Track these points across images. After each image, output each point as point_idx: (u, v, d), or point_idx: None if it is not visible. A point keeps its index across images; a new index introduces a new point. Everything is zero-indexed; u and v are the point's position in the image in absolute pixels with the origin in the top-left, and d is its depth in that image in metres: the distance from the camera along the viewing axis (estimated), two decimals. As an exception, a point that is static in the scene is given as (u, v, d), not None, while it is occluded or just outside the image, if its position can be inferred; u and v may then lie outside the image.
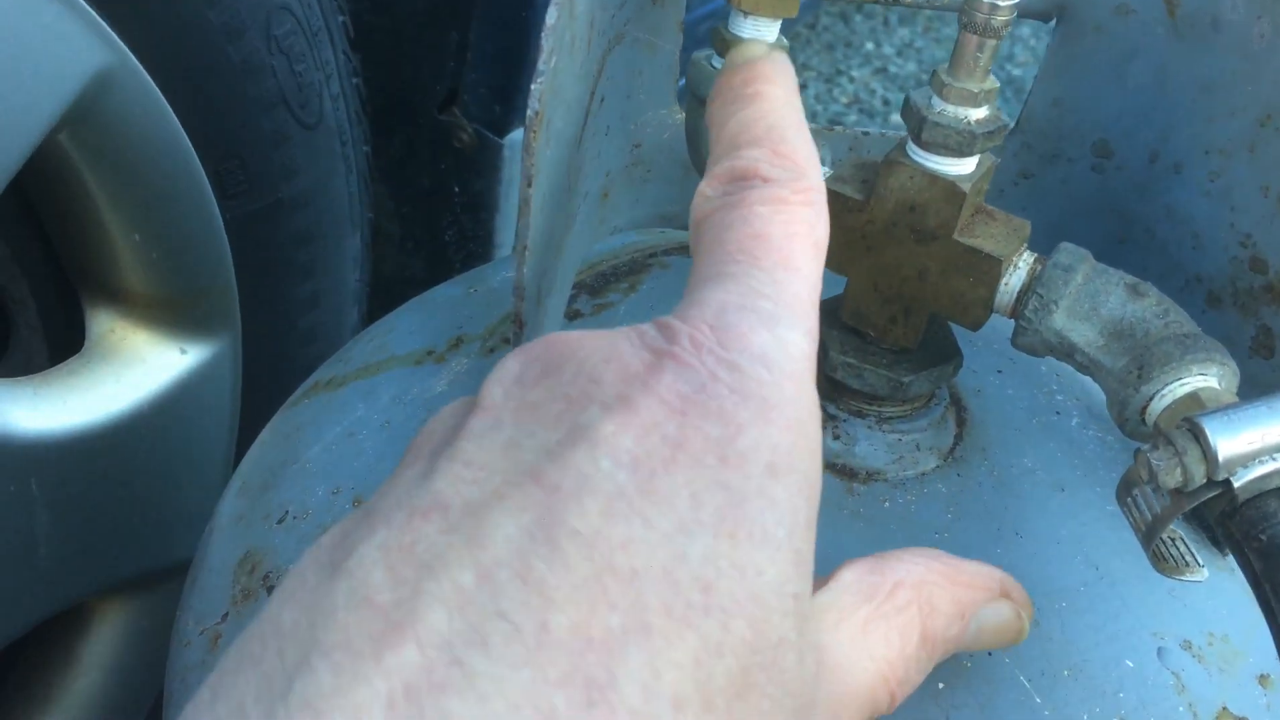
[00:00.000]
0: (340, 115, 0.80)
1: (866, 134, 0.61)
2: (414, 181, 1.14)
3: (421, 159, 1.12)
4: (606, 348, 0.30)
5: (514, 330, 0.42)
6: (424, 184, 1.14)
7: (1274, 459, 0.37)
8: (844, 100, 2.33)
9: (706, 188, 0.35)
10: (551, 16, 0.39)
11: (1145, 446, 0.39)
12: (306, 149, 0.76)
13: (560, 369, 0.30)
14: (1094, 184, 0.58)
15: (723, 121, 0.38)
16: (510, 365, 0.31)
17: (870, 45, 2.50)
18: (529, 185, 0.39)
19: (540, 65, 0.38)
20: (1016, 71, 2.52)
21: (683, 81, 0.53)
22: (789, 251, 0.33)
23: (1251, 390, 0.49)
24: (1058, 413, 0.55)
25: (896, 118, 2.30)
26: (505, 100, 1.05)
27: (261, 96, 0.71)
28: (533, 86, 0.38)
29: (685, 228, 0.60)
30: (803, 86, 2.36)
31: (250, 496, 0.53)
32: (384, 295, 1.21)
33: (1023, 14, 0.56)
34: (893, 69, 2.46)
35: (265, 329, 0.82)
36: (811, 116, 2.31)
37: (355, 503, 0.49)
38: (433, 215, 1.15)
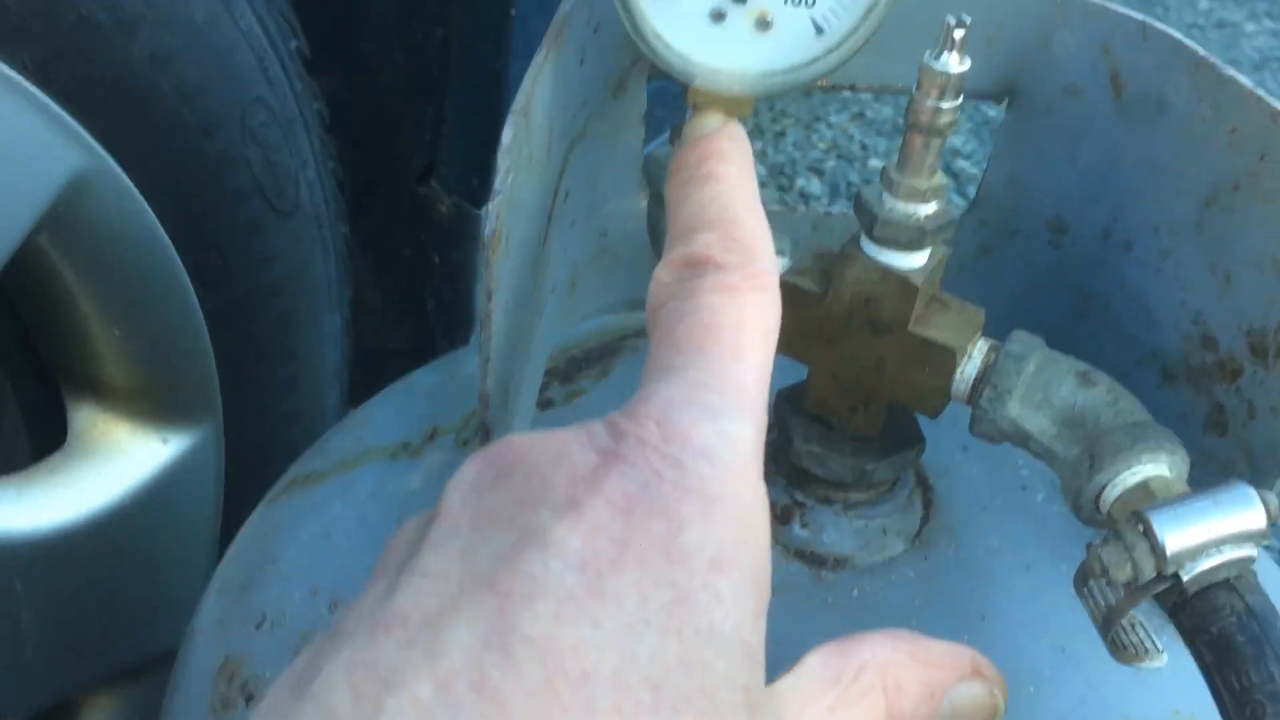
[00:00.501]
0: (317, 200, 0.81)
1: (829, 214, 0.62)
2: (394, 253, 1.15)
3: (401, 231, 1.13)
4: (557, 450, 0.31)
5: (480, 439, 0.43)
6: (404, 255, 1.15)
7: (1221, 551, 0.38)
8: (822, 146, 2.36)
9: (662, 273, 0.37)
10: (507, 136, 0.40)
11: (1096, 540, 0.40)
12: (283, 236, 0.78)
13: (513, 473, 0.31)
14: (1051, 259, 0.59)
15: (679, 202, 0.39)
16: (468, 471, 0.32)
17: (847, 91, 2.53)
18: (489, 299, 0.40)
19: (497, 185, 0.39)
20: (993, 111, 2.55)
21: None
22: (737, 342, 0.34)
23: (1207, 467, 0.50)
24: (1023, 488, 0.56)
25: (875, 162, 2.33)
26: (482, 172, 1.06)
27: (238, 188, 0.72)
28: (490, 206, 0.39)
29: (655, 310, 0.61)
30: (781, 134, 2.39)
31: (230, 597, 0.54)
32: (368, 366, 1.22)
33: (974, 95, 0.57)
34: (870, 114, 2.49)
35: (247, 413, 0.82)
36: (790, 162, 2.34)
37: (332, 606, 0.49)
38: (414, 286, 1.16)
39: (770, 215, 0.62)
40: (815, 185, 2.20)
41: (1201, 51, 0.49)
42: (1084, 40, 0.53)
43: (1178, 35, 0.50)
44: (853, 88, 0.57)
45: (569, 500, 0.29)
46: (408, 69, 0.97)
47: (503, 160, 0.39)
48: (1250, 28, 3.10)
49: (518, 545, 0.28)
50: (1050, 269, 0.59)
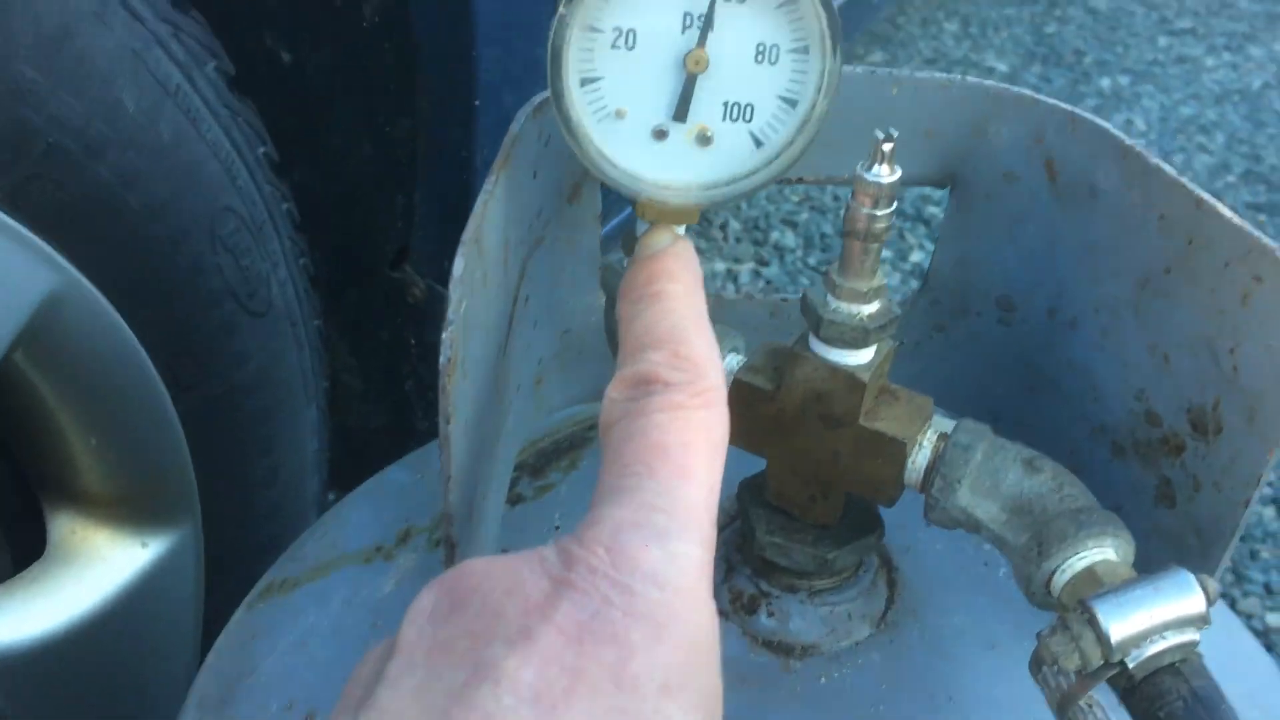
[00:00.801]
0: (289, 298, 0.82)
1: (785, 300, 0.64)
2: (372, 336, 1.16)
3: (378, 314, 1.15)
4: (510, 578, 0.31)
5: (445, 555, 0.44)
6: (382, 338, 1.16)
7: (1164, 637, 0.39)
8: (795, 199, 2.39)
9: (613, 391, 0.38)
10: (459, 267, 0.42)
11: (1045, 630, 0.41)
12: (256, 335, 0.79)
13: (468, 604, 0.31)
14: (1002, 336, 0.61)
15: (629, 320, 0.40)
16: (424, 600, 0.32)
17: (795, 184, 2.57)
18: (448, 423, 0.41)
19: (450, 314, 0.41)
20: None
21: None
22: (685, 460, 0.35)
23: (1159, 540, 0.52)
24: (985, 563, 0.57)
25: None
26: (454, 255, 1.08)
27: (210, 293, 0.74)
28: (444, 335, 0.41)
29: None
30: (755, 188, 2.41)
31: (208, 711, 0.54)
32: (351, 446, 1.23)
33: (916, 183, 0.59)
34: (841, 164, 2.53)
35: (227, 510, 0.83)
36: (764, 216, 2.36)
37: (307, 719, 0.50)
38: (392, 367, 1.18)
39: (727, 305, 0.64)
40: (790, 238, 2.23)
41: (1128, 141, 0.51)
42: (1017, 131, 0.55)
43: (1105, 125, 0.52)
44: (800, 180, 0.58)
45: (521, 631, 0.30)
46: (377, 160, 0.99)
47: (454, 290, 0.41)
48: (1210, 62, 3.17)
49: (472, 680, 0.29)
50: (1002, 346, 0.61)
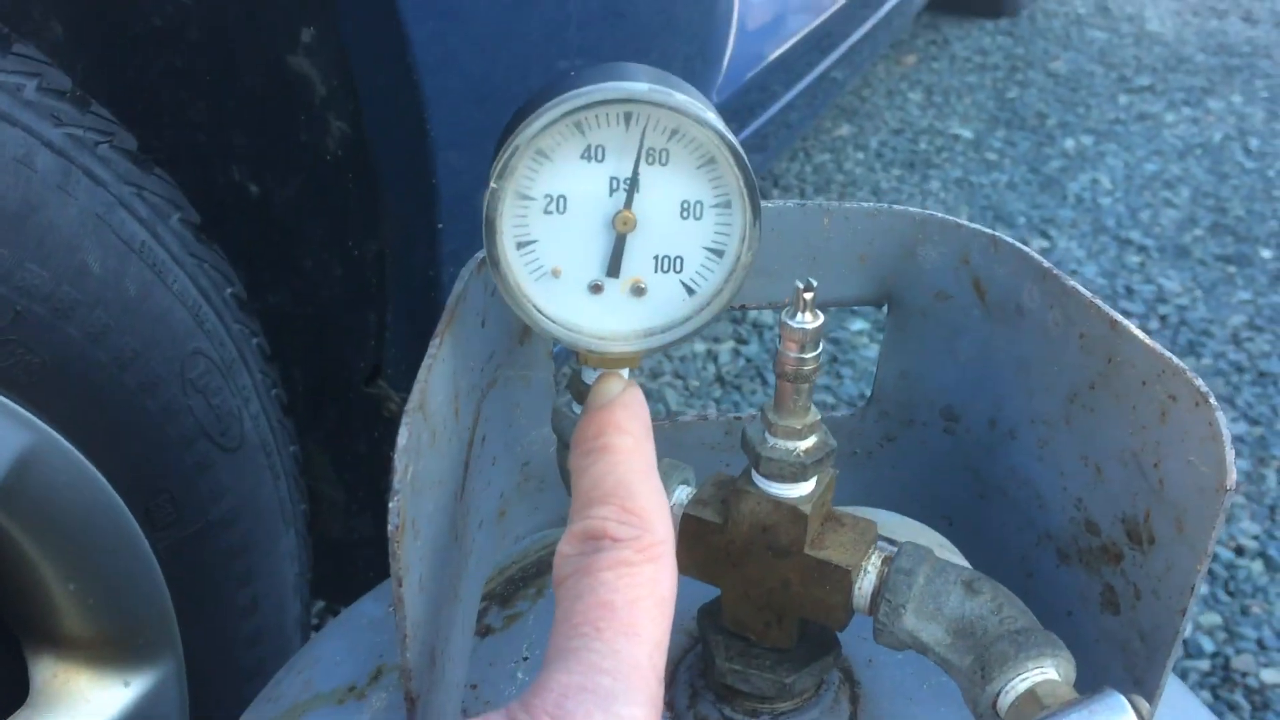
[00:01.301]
0: (262, 430, 0.84)
1: (738, 419, 0.66)
2: (351, 449, 1.18)
3: (356, 428, 1.16)
4: None
5: (407, 709, 0.45)
6: (361, 451, 1.18)
7: (1102, 760, 0.40)
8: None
9: (564, 546, 0.39)
10: (403, 437, 0.43)
11: (988, 757, 0.42)
12: (231, 470, 0.80)
13: None
14: (948, 445, 0.63)
15: (579, 474, 0.42)
16: None
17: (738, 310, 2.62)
18: (399, 585, 0.43)
19: (395, 484, 0.42)
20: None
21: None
22: (632, 618, 0.36)
23: (1106, 646, 0.53)
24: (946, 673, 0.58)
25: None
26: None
27: (182, 435, 0.75)
28: (390, 504, 0.42)
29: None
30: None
31: None
32: (334, 557, 1.24)
33: (855, 303, 0.62)
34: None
35: (208, 642, 0.84)
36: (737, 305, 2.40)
37: None
38: (373, 479, 1.19)
39: (683, 427, 0.66)
40: (767, 315, 2.26)
41: (1045, 263, 0.53)
42: (944, 253, 0.58)
43: (1023, 248, 0.54)
44: (743, 307, 0.61)
45: None
46: (347, 282, 1.01)
47: (400, 459, 0.42)
48: (1170, 118, 3.24)
49: None
50: (949, 454, 0.63)
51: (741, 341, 2.17)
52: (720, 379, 2.06)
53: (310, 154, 0.91)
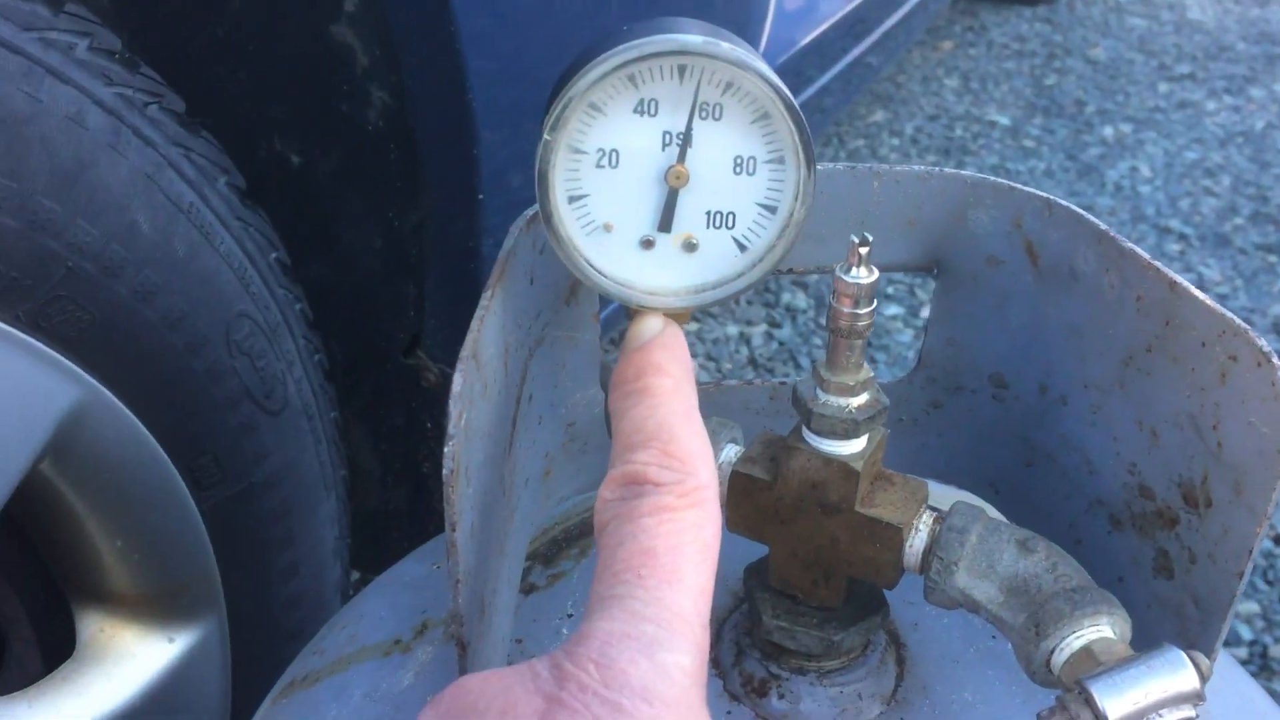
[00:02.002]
0: (305, 394, 0.85)
1: (783, 384, 0.66)
2: (388, 420, 1.19)
3: (393, 399, 1.17)
4: (504, 698, 0.33)
5: (459, 655, 0.45)
6: (398, 422, 1.18)
7: (1160, 714, 0.40)
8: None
9: (605, 491, 0.39)
10: (458, 383, 0.44)
11: (1044, 711, 0.42)
12: (274, 433, 0.81)
13: None
14: (997, 412, 0.62)
15: (619, 416, 0.41)
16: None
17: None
18: (453, 530, 0.43)
19: (450, 429, 0.43)
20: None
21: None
22: (675, 564, 0.35)
23: (1161, 610, 0.52)
24: (994, 637, 0.58)
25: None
26: (464, 340, 1.10)
27: (227, 396, 0.76)
28: (445, 449, 0.42)
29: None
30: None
31: (234, 814, 0.55)
32: (370, 528, 1.25)
33: (904, 268, 0.61)
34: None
35: (250, 602, 0.85)
36: (775, 278, 2.39)
37: (330, 821, 0.51)
38: (410, 450, 1.19)
39: (728, 391, 0.66)
40: (801, 299, 2.25)
41: (1102, 225, 0.52)
42: (996, 217, 0.57)
43: (1079, 211, 0.54)
44: (790, 271, 0.60)
45: None
46: (387, 253, 1.02)
47: (454, 405, 0.43)
48: (1211, 106, 3.20)
49: None
50: (997, 422, 0.62)
51: (775, 325, 2.17)
52: (753, 362, 2.06)
53: (351, 124, 0.92)
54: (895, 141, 2.92)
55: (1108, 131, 3.01)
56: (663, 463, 0.38)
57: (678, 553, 0.36)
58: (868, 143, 2.90)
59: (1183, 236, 2.49)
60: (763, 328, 2.16)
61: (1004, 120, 3.06)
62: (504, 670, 0.34)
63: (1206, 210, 2.61)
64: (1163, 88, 3.33)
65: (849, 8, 1.93)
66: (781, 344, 2.11)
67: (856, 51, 2.09)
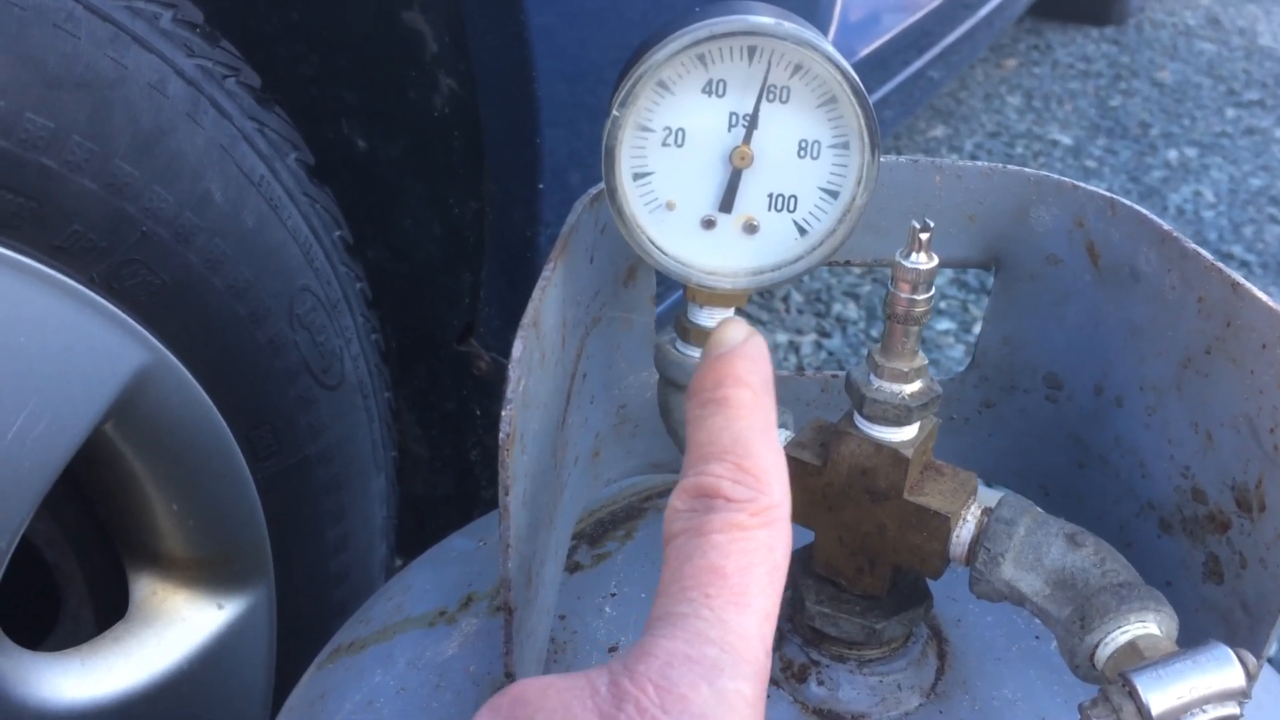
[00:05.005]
0: (361, 372, 0.86)
1: (836, 377, 0.66)
2: (439, 407, 1.20)
3: (444, 386, 1.18)
4: (563, 713, 0.32)
5: (505, 620, 0.46)
6: (448, 409, 1.20)
7: (1204, 710, 0.40)
8: (857, 271, 2.41)
9: (677, 501, 0.37)
10: (518, 349, 0.44)
11: (1086, 703, 0.42)
12: (330, 408, 0.83)
13: None
14: (1049, 412, 0.62)
15: (695, 424, 0.39)
16: None
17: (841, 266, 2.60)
18: (507, 494, 0.44)
19: (509, 393, 0.43)
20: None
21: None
22: (743, 586, 0.35)
23: (1209, 615, 0.52)
24: (1037, 637, 0.58)
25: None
26: (516, 332, 1.11)
27: (287, 369, 0.78)
28: (503, 412, 0.43)
29: (677, 471, 0.65)
30: (817, 261, 2.44)
31: (278, 769, 0.57)
32: (417, 513, 1.26)
33: (962, 264, 0.61)
34: (903, 237, 2.55)
35: (298, 575, 0.86)
36: (826, 288, 2.38)
37: (372, 778, 0.52)
38: (458, 437, 1.21)
39: (780, 381, 0.66)
40: (852, 310, 2.24)
41: (1165, 226, 0.52)
42: (1058, 215, 0.57)
43: (1143, 211, 0.53)
44: (847, 263, 0.61)
45: None
46: (445, 240, 1.03)
47: (514, 370, 0.43)
48: (1279, 133, 3.14)
49: None
50: (1050, 422, 0.62)
51: (824, 335, 2.16)
52: (801, 370, 2.05)
53: (418, 111, 0.93)
54: (954, 157, 2.90)
55: (1172, 155, 2.97)
56: (737, 478, 0.37)
57: (747, 573, 0.35)
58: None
59: (1244, 264, 2.45)
60: (812, 336, 2.15)
61: (1066, 140, 3.03)
62: (563, 681, 0.33)
63: (1270, 238, 2.56)
64: (1230, 113, 3.28)
65: (912, 20, 1.93)
66: (830, 354, 2.11)
67: (918, 64, 2.08)
